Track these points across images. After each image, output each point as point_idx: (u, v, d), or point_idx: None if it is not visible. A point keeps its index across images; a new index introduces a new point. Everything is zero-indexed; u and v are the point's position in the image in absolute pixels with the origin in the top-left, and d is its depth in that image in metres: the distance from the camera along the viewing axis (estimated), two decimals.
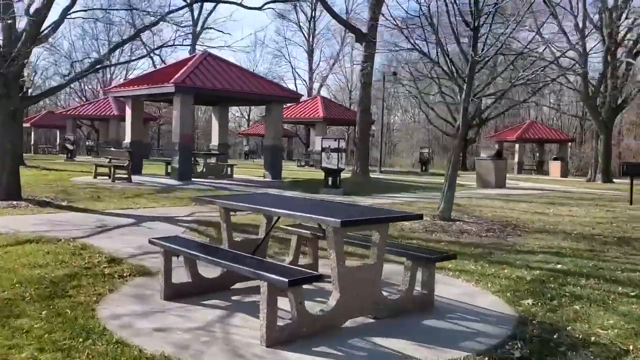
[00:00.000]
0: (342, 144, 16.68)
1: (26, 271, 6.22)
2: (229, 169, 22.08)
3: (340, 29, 59.53)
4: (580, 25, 27.16)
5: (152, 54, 36.14)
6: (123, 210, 11.54)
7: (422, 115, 70.02)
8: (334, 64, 57.47)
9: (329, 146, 16.52)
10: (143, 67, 65.68)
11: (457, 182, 24.92)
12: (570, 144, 50.89)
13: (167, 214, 11.25)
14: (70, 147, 33.72)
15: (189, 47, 40.13)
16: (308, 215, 4.66)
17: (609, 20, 27.03)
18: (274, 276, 4.11)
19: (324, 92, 54.88)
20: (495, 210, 12.88)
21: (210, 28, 43.27)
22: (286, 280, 4.04)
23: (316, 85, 58.09)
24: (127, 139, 21.94)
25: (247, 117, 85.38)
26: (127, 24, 41.47)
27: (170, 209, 11.99)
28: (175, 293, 5.41)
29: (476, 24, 9.58)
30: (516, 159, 48.96)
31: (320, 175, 26.35)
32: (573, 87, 30.06)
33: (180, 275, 5.59)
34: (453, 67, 10.22)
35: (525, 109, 69.56)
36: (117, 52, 41.34)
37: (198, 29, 42.73)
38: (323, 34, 68.61)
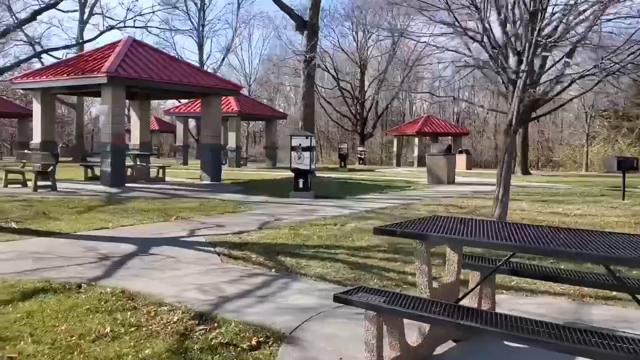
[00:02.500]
0: (314, 142, 14.98)
1: (100, 349, 4.08)
2: (160, 171, 19.51)
3: (232, 18, 57.30)
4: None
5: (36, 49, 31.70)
6: (99, 232, 9.14)
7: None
8: (225, 55, 54.77)
9: (300, 144, 14.74)
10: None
11: (405, 178, 24.06)
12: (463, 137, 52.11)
13: (161, 234, 9.03)
14: None
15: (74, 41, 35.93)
16: None
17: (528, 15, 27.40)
18: None
19: None
20: (516, 213, 11.90)
21: (100, 14, 39.11)
22: None
23: None
24: (37, 139, 18.64)
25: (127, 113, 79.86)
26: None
27: (157, 227, 9.73)
28: None
29: None
30: (416, 153, 49.56)
31: (258, 175, 24.45)
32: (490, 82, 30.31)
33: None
34: (500, 51, 8.95)
35: (415, 102, 71.30)
36: None
37: (85, 15, 38.43)
38: (214, 24, 64.95)
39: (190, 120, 37.30)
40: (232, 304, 5.28)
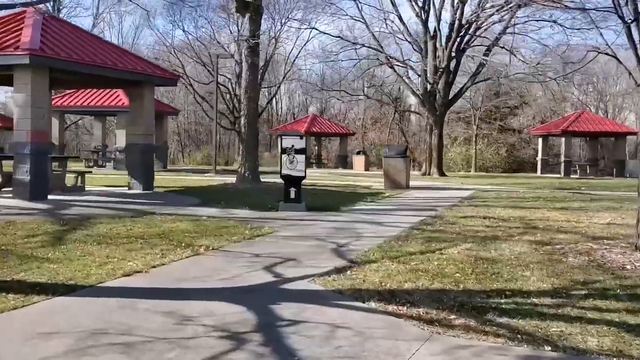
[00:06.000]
0: (305, 143, 12.47)
1: None
2: (79, 178, 15.66)
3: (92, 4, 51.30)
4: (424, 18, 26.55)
5: None
6: (133, 280, 6.11)
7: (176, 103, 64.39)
8: None
9: (292, 146, 12.14)
10: None
11: (337, 182, 21.95)
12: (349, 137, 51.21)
13: (230, 279, 6.21)
14: None
15: None
16: None
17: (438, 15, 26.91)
18: None
19: None
20: (567, 225, 10.40)
21: None
22: None
23: None
24: None
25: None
26: None
27: (201, 267, 6.80)
28: None
29: None
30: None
31: (176, 180, 20.78)
32: (407, 83, 29.54)
33: None
34: None
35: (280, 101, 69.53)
36: None
37: None
38: (72, 7, 56.91)
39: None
40: None
